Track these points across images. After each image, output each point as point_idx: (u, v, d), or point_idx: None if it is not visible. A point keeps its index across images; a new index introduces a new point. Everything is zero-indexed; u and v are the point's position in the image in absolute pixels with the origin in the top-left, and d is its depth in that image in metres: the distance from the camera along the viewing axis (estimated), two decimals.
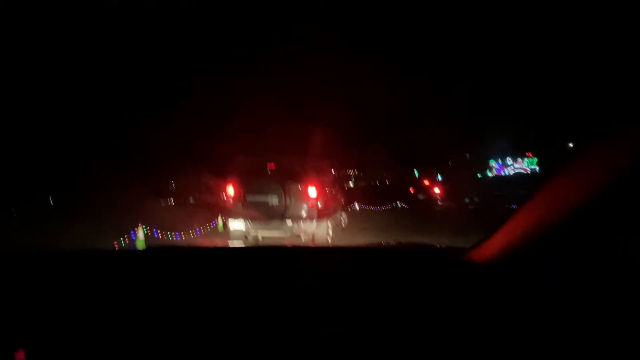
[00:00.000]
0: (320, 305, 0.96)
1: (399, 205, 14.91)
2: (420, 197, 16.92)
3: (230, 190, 5.94)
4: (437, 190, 16.47)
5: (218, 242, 6.36)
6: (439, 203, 15.24)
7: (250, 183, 5.79)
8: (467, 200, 15.01)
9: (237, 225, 5.84)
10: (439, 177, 24.00)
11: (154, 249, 1.63)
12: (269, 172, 5.99)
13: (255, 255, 1.51)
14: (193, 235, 7.42)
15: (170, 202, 20.31)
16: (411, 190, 18.45)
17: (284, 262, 1.35)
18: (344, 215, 8.02)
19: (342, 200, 8.14)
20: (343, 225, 7.88)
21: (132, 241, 6.06)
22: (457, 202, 14.95)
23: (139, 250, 1.62)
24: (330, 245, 5.47)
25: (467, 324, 0.87)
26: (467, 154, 43.68)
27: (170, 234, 6.62)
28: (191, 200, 21.44)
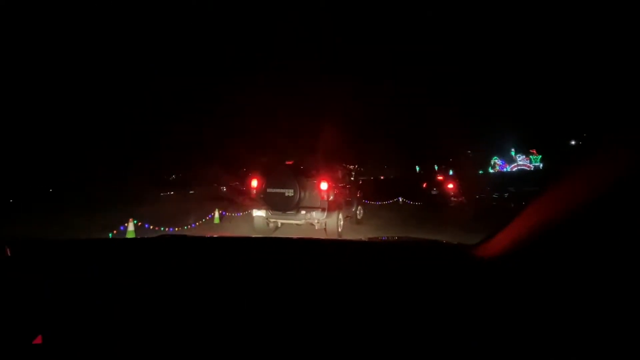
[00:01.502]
0: (327, 298, 0.94)
1: (400, 200, 14.65)
2: (434, 192, 16.47)
3: (254, 183, 6.87)
4: (450, 185, 15.90)
5: (221, 234, 6.24)
6: (453, 199, 14.80)
7: (271, 177, 6.68)
8: (495, 195, 14.47)
9: (259, 213, 6.80)
10: (451, 173, 23.56)
11: (161, 239, 1.63)
12: (287, 168, 6.88)
13: (258, 246, 1.49)
14: (188, 228, 7.21)
15: (168, 193, 20.20)
16: (424, 185, 17.93)
17: (289, 253, 1.33)
18: (360, 208, 8.61)
19: (358, 194, 8.65)
20: (359, 217, 8.49)
21: (122, 235, 5.89)
22: (468, 198, 14.58)
23: (146, 239, 1.62)
24: (339, 238, 5.84)
25: (472, 319, 0.85)
26: (469, 151, 43.40)
27: (164, 228, 6.40)
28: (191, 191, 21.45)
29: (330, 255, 1.29)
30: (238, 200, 12.65)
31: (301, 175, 6.67)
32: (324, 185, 6.55)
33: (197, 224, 7.66)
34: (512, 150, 43.78)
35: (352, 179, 8.57)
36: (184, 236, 1.62)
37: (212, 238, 1.67)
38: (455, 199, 14.66)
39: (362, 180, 9.80)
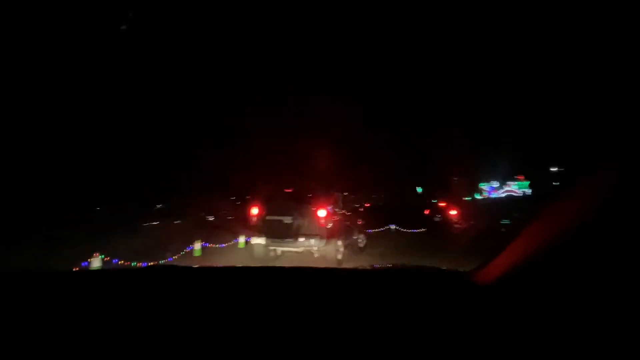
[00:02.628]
0: (320, 327, 0.92)
1: (392, 228, 14.23)
2: (436, 218, 16.04)
3: (254, 210, 6.86)
4: (453, 212, 15.45)
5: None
6: (456, 225, 14.36)
7: (270, 205, 6.72)
8: (504, 222, 14.09)
9: (258, 240, 6.65)
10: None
11: (152, 268, 1.63)
12: (286, 196, 6.93)
13: (245, 276, 1.46)
14: (164, 262, 6.54)
15: (152, 223, 19.26)
16: (426, 212, 17.58)
17: (285, 283, 1.31)
18: (361, 236, 8.44)
19: (359, 222, 8.57)
20: (360, 245, 8.27)
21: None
22: (469, 224, 14.19)
23: (136, 269, 1.54)
24: (333, 267, 5.67)
25: (468, 345, 0.82)
26: (455, 178, 43.88)
27: (135, 263, 5.75)
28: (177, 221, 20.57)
29: (324, 284, 1.27)
30: (225, 230, 12.08)
31: (300, 202, 6.65)
32: (322, 213, 6.51)
33: (175, 257, 7.01)
34: (498, 180, 44.43)
35: (354, 206, 8.57)
36: (173, 266, 1.59)
37: (197, 269, 1.66)
38: (458, 226, 14.26)
39: (364, 208, 9.54)
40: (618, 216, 0.75)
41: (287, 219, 6.44)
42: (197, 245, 7.97)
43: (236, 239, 9.35)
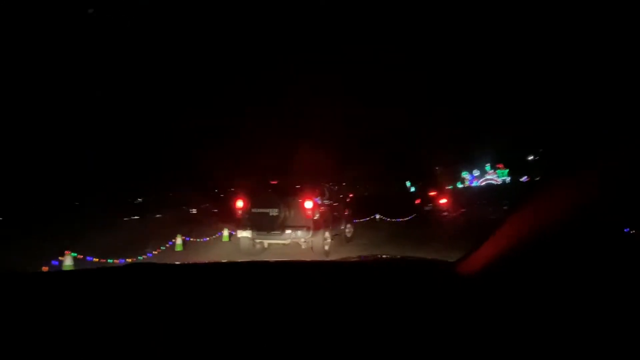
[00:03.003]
0: (307, 322, 0.91)
1: (377, 218, 14.29)
2: (427, 208, 16.18)
3: (239, 203, 6.74)
4: (443, 201, 15.70)
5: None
6: (445, 214, 14.54)
7: (255, 197, 6.60)
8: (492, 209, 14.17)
9: (244, 233, 6.56)
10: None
11: (131, 266, 1.48)
12: (271, 188, 6.84)
13: (228, 271, 1.43)
14: (143, 258, 6.25)
15: (132, 218, 18.61)
16: (417, 201, 17.82)
17: (270, 279, 1.28)
18: (349, 226, 8.52)
19: (346, 212, 8.49)
20: (348, 235, 8.39)
21: (55, 269, 4.90)
22: (459, 212, 14.35)
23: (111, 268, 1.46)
24: (319, 259, 5.58)
25: (454, 336, 0.82)
26: (437, 167, 44.50)
27: (112, 259, 5.44)
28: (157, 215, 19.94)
29: (310, 278, 1.26)
30: (207, 223, 11.78)
31: (286, 194, 6.54)
32: (308, 204, 6.43)
33: (155, 252, 6.72)
34: (488, 165, 45.22)
35: (340, 196, 8.42)
36: (152, 264, 1.49)
37: (180, 265, 1.66)
38: (448, 214, 14.39)
39: (350, 198, 9.48)
40: (602, 208, 0.75)
41: (273, 211, 6.34)
42: (179, 240, 7.69)
43: (219, 232, 9.11)
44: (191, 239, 8.39)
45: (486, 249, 0.93)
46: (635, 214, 0.83)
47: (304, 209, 6.43)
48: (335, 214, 7.58)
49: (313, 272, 1.38)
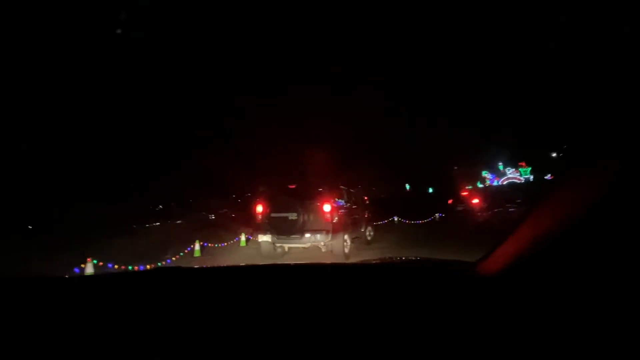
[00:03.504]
0: (326, 324, 0.90)
1: (395, 220, 14.03)
2: (459, 207, 15.92)
3: (259, 208, 6.85)
4: (475, 201, 15.34)
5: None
6: (479, 214, 14.14)
7: (274, 202, 6.72)
8: None
9: (264, 238, 6.64)
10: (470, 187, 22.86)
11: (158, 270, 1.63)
12: (290, 192, 6.89)
13: (245, 275, 1.46)
14: (163, 265, 6.31)
15: (153, 224, 19.02)
16: (450, 201, 17.72)
17: (288, 282, 1.29)
18: (369, 229, 8.54)
19: (366, 215, 8.54)
20: (368, 238, 8.42)
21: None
22: (492, 212, 13.89)
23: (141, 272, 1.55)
24: (339, 262, 5.55)
25: (474, 335, 0.81)
26: (455, 167, 43.47)
27: (132, 266, 5.51)
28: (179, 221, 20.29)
29: (329, 281, 1.26)
30: (225, 229, 11.85)
31: (304, 198, 6.60)
32: (327, 207, 6.49)
33: (174, 258, 6.77)
34: (500, 164, 43.89)
35: (359, 199, 8.37)
36: (179, 267, 1.54)
37: (204, 269, 1.69)
38: (481, 214, 13.99)
39: (370, 200, 9.49)
40: (621, 207, 0.74)
41: (292, 216, 6.42)
42: (197, 246, 7.73)
43: (237, 237, 9.12)
44: (209, 245, 8.43)
45: (506, 248, 0.92)
46: None
47: (323, 212, 6.48)
48: (354, 216, 7.58)
49: (332, 275, 1.37)
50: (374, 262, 1.73)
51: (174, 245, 8.00)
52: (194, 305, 1.03)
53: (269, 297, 1.09)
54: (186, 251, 7.41)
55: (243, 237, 9.05)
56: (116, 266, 5.40)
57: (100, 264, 5.36)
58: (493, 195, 15.42)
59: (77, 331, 0.90)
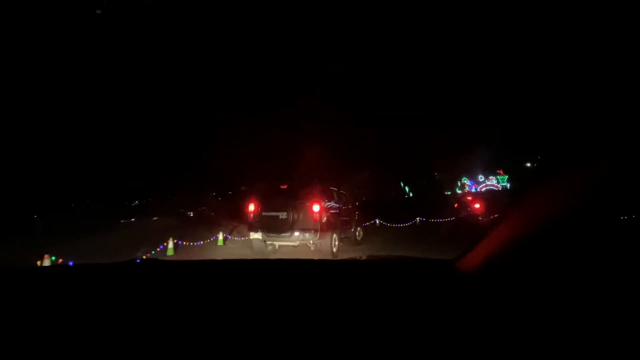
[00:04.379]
0: (302, 316, 0.92)
1: (377, 223, 14.02)
2: (464, 213, 16.55)
3: (251, 207, 7.10)
4: (477, 205, 16.09)
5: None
6: (480, 218, 14.69)
7: (266, 201, 6.97)
8: None
9: (256, 235, 6.92)
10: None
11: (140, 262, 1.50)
12: (281, 192, 7.14)
13: (225, 269, 1.45)
14: None
15: (128, 220, 18.21)
16: (455, 205, 18.61)
17: (271, 275, 1.30)
18: (359, 229, 8.84)
19: (356, 216, 8.78)
20: (358, 238, 8.69)
21: None
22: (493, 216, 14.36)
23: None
24: (324, 258, 5.72)
25: (450, 327, 0.86)
26: (435, 173, 44.37)
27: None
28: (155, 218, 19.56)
29: (305, 276, 1.28)
30: (205, 227, 11.47)
31: (295, 198, 6.83)
32: (316, 208, 6.71)
33: (144, 257, 6.40)
34: (480, 173, 45.03)
35: (349, 200, 8.58)
36: (156, 260, 1.55)
37: (178, 262, 1.69)
38: (482, 218, 14.45)
39: (360, 202, 9.82)
40: (590, 209, 0.82)
41: (283, 215, 6.65)
42: (170, 244, 7.37)
43: (214, 236, 8.79)
44: (184, 243, 8.07)
45: (482, 247, 0.98)
46: (628, 204, 0.93)
47: (312, 212, 6.70)
48: (343, 217, 7.82)
49: (312, 270, 1.40)
50: (355, 259, 1.80)
51: (147, 243, 7.61)
52: (169, 299, 1.01)
53: (243, 289, 1.11)
54: (158, 249, 7.04)
55: (221, 236, 8.73)
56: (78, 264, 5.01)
57: (60, 261, 4.96)
58: (491, 200, 16.06)
59: (19, 325, 0.88)
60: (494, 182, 43.59)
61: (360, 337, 0.82)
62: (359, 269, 1.44)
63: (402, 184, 39.94)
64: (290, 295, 1.04)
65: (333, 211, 7.30)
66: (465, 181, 45.93)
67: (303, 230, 6.60)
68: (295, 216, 6.65)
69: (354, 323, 0.87)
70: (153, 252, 6.81)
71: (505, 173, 43.30)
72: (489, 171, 44.43)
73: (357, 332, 0.84)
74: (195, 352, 0.79)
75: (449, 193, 40.69)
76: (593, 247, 0.89)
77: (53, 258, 4.91)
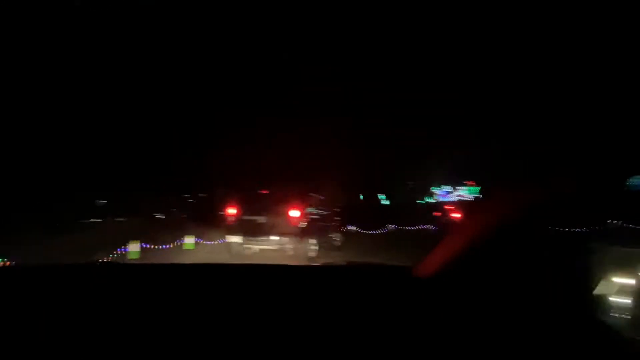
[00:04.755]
0: (266, 325, 0.91)
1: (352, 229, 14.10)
2: (444, 220, 16.89)
3: (231, 210, 7.25)
4: (456, 215, 16.04)
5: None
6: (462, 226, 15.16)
7: (246, 205, 7.14)
8: None
9: (234, 238, 7.01)
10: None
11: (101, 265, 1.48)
12: (261, 197, 7.38)
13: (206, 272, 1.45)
14: None
15: (91, 221, 17.27)
16: (435, 214, 19.24)
17: (233, 281, 1.31)
18: (338, 235, 9.10)
19: (336, 222, 9.14)
20: (337, 244, 8.87)
21: None
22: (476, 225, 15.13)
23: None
24: (290, 264, 5.84)
25: (403, 329, 0.89)
26: (408, 182, 45.55)
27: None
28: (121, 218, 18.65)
29: (268, 281, 1.28)
30: (175, 229, 11.05)
31: (274, 203, 7.03)
32: (294, 213, 6.92)
33: (100, 261, 6.03)
34: (449, 183, 46.63)
35: (329, 207, 8.79)
36: (111, 263, 1.54)
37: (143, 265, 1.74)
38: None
39: (341, 208, 10.16)
40: (531, 218, 0.95)
41: (262, 219, 6.86)
42: (134, 247, 7.00)
43: (182, 239, 8.45)
44: (150, 246, 7.69)
45: (436, 254, 1.05)
46: (555, 219, 2.29)
47: (290, 217, 6.89)
48: (322, 223, 8.08)
49: (277, 275, 1.42)
50: (316, 265, 1.85)
51: (109, 245, 7.19)
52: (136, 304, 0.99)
53: (208, 292, 1.11)
54: (120, 252, 6.67)
55: (188, 240, 8.40)
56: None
57: (7, 263, 4.57)
58: (471, 208, 16.59)
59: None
60: (466, 193, 45.17)
61: (312, 341, 0.83)
62: (318, 276, 1.47)
63: (377, 194, 40.62)
64: (251, 301, 1.03)
65: (312, 217, 7.50)
66: (435, 190, 47.32)
67: (281, 234, 6.74)
68: (275, 221, 6.81)
69: (309, 328, 0.88)
70: (113, 255, 6.43)
71: (478, 185, 44.99)
72: (459, 182, 46.07)
73: (310, 336, 0.85)
74: None
75: (422, 202, 41.81)
76: (522, 252, 1.05)
77: (1, 260, 4.52)
